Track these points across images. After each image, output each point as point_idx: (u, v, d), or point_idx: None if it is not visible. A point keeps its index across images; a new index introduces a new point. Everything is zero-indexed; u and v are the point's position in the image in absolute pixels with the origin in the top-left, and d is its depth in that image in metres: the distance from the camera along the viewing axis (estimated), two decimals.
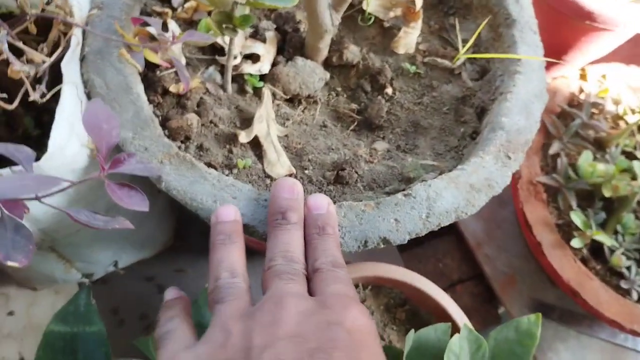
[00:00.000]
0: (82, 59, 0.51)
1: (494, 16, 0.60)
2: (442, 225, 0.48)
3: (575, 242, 0.72)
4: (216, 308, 0.36)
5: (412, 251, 0.88)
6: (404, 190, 0.48)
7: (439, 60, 0.60)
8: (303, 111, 0.58)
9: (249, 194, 0.46)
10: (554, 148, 0.78)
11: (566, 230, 0.74)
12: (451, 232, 0.90)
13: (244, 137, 0.52)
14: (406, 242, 0.47)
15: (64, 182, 0.32)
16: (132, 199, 0.34)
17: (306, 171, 0.52)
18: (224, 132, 0.53)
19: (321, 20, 0.53)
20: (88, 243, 0.61)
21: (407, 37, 0.59)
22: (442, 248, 0.89)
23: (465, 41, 0.61)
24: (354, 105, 0.59)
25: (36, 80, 0.47)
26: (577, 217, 0.72)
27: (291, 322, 0.32)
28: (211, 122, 0.53)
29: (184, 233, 0.82)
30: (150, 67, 0.54)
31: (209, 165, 0.51)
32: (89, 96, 0.50)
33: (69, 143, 0.46)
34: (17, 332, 0.73)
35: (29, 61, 0.45)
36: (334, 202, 0.46)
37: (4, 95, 0.44)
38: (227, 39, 0.56)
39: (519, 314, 0.80)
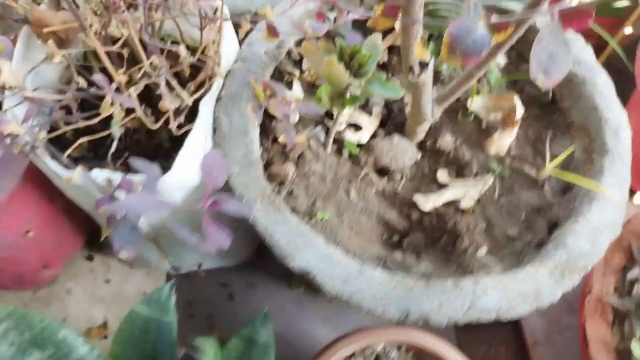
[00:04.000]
0: (218, 99, 0.61)
1: (591, 141, 0.63)
2: (481, 321, 0.52)
3: None
4: None
5: (468, 329, 0.90)
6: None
7: (526, 168, 0.63)
8: (388, 182, 0.64)
9: (319, 246, 0.54)
10: (634, 273, 0.77)
11: (624, 357, 0.73)
12: (512, 321, 0.90)
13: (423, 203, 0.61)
14: (443, 326, 0.51)
15: (172, 205, 0.42)
16: (218, 236, 0.42)
17: None
18: (314, 185, 0.61)
19: (422, 110, 0.60)
20: (182, 244, 0.72)
21: (500, 140, 0.64)
22: (499, 335, 0.90)
23: (554, 156, 0.64)
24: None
25: (178, 112, 0.58)
26: (637, 348, 0.71)
27: None
28: (305, 174, 0.61)
29: (264, 253, 0.91)
30: (269, 116, 0.63)
31: (294, 209, 0.59)
32: (214, 131, 0.60)
33: (187, 166, 0.56)
34: (108, 299, 0.86)
35: (177, 95, 0.56)
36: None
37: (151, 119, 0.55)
38: None
39: None
